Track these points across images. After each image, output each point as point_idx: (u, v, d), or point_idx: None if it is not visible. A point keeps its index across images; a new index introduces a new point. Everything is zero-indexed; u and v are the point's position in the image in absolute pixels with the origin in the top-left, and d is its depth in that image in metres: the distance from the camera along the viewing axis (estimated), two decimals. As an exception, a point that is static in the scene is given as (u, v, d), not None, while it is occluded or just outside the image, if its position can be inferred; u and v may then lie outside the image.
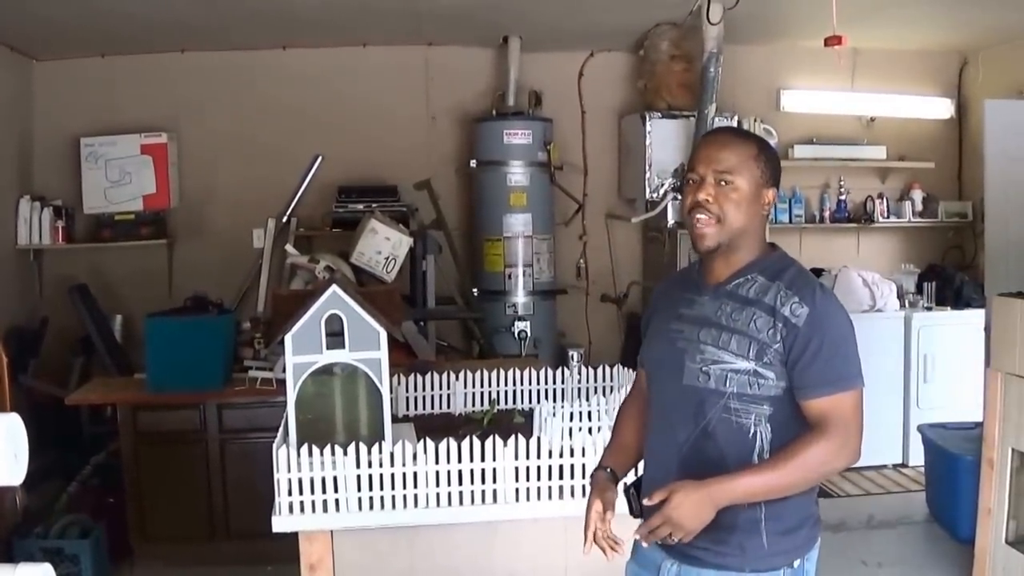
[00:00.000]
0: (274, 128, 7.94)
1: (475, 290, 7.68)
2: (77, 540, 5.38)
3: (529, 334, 7.78)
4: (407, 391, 4.70)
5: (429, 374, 4.75)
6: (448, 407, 4.72)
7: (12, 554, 5.23)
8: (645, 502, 2.60)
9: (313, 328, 3.66)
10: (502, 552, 3.59)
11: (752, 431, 2.66)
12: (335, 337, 3.70)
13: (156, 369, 5.81)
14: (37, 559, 5.27)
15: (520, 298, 7.87)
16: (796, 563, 2.73)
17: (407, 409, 4.68)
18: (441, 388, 4.73)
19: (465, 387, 4.73)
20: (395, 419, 4.35)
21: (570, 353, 8.04)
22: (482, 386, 4.74)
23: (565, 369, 4.82)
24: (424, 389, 4.72)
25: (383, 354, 3.69)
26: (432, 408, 4.72)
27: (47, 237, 7.69)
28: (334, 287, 3.69)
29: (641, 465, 2.98)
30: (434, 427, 4.21)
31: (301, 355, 3.68)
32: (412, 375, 4.73)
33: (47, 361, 7.46)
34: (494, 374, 4.75)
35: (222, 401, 5.86)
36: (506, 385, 4.75)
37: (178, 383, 5.76)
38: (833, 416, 2.60)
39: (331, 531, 3.54)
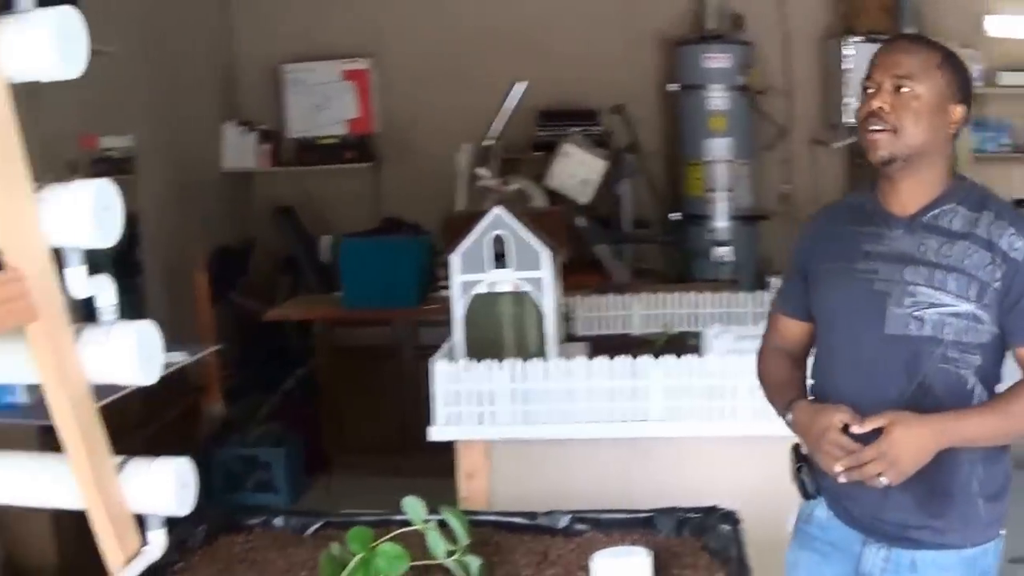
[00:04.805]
0: (477, 51, 8.00)
1: (676, 214, 7.67)
2: (271, 448, 5.66)
3: (730, 259, 7.73)
4: (588, 312, 4.76)
5: (609, 296, 4.80)
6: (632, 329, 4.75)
7: (209, 461, 5.53)
8: (855, 428, 2.32)
9: (479, 248, 3.77)
10: (654, 469, 3.61)
11: (970, 383, 2.41)
12: (501, 257, 3.80)
13: (351, 287, 6.04)
14: (232, 466, 5.61)
15: (721, 223, 7.80)
16: (1002, 531, 2.52)
17: (591, 330, 4.73)
18: (622, 310, 4.77)
19: (644, 310, 4.76)
20: (573, 339, 4.45)
21: (767, 280, 7.96)
22: (663, 309, 4.76)
23: (746, 293, 4.80)
24: (606, 311, 4.77)
25: (545, 273, 3.77)
26: (616, 330, 4.75)
27: (253, 161, 8.01)
28: (498, 208, 3.78)
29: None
30: (610, 348, 4.27)
31: (468, 274, 3.80)
32: (591, 296, 4.80)
33: (256, 280, 7.80)
34: (673, 297, 4.76)
35: (416, 318, 6.04)
36: (686, 308, 4.75)
37: (372, 301, 5.96)
38: None
39: (488, 441, 3.66)
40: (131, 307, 5.98)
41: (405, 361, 6.09)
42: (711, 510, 2.56)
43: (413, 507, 2.32)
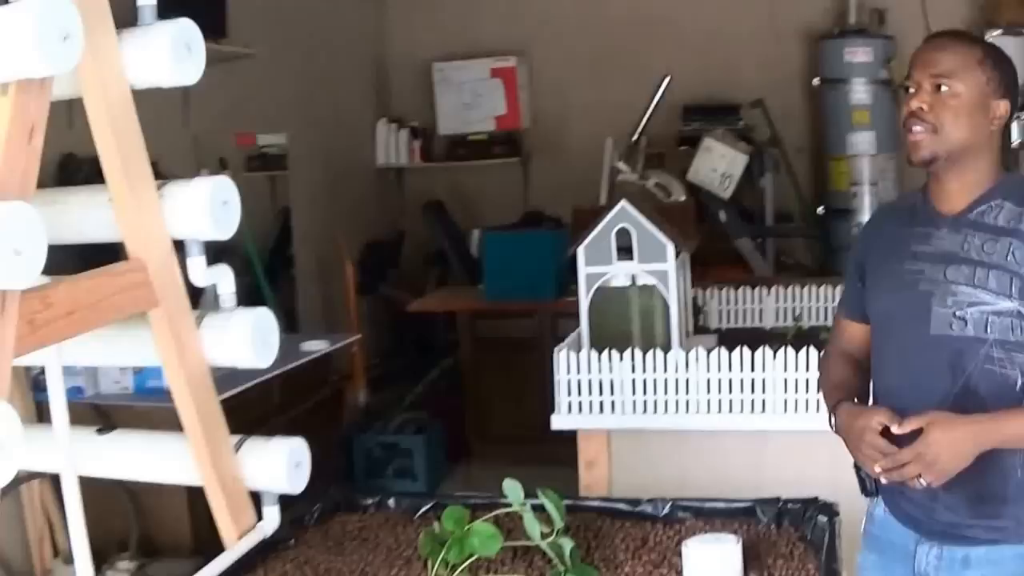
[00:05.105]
0: (622, 47, 8.04)
1: (821, 208, 7.63)
2: (412, 436, 5.82)
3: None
4: (722, 305, 4.81)
5: (742, 288, 4.84)
6: (764, 322, 4.78)
7: (351, 446, 5.73)
8: (895, 429, 2.27)
9: (604, 240, 3.85)
10: (771, 462, 3.63)
11: (1020, 383, 2.31)
12: (627, 250, 3.87)
13: (492, 279, 6.19)
14: (374, 453, 5.79)
15: (865, 217, 7.69)
16: None
17: (725, 322, 4.79)
18: (756, 303, 4.81)
19: (776, 303, 4.79)
20: (705, 331, 4.50)
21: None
22: (794, 301, 4.78)
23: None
24: (739, 304, 4.81)
25: (670, 266, 3.82)
26: (750, 323, 4.79)
27: (405, 157, 8.25)
28: (623, 202, 3.86)
29: None
30: (739, 340, 4.31)
31: (593, 266, 3.89)
32: (725, 289, 4.84)
33: (408, 272, 8.01)
34: (806, 290, 4.78)
35: (555, 310, 6.14)
36: (820, 302, 4.76)
37: (513, 293, 6.10)
38: None
39: (608, 431, 3.75)
40: (285, 297, 6.18)
41: (545, 352, 6.19)
42: (811, 501, 2.60)
43: (512, 490, 2.42)
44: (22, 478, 4.05)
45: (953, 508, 2.36)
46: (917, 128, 2.34)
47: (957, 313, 2.32)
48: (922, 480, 2.22)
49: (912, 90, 2.37)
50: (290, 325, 6.19)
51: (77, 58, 1.80)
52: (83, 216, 2.29)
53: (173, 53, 2.10)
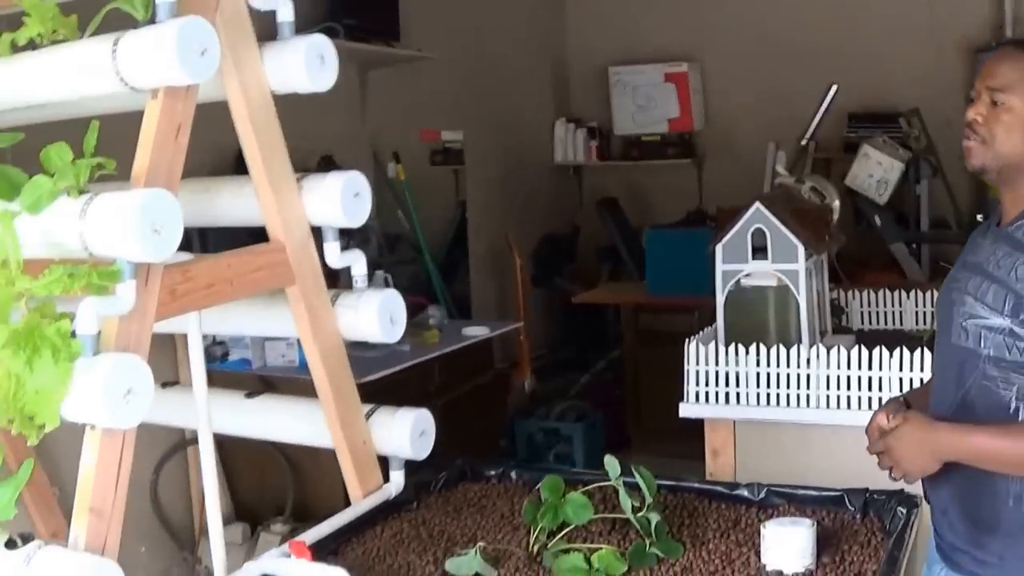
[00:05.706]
0: (792, 54, 8.16)
1: (980, 215, 7.60)
2: (572, 423, 6.05)
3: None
4: (864, 307, 4.92)
5: (882, 291, 4.94)
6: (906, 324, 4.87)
7: (513, 430, 5.98)
8: (882, 423, 2.39)
9: (741, 240, 4.01)
10: None
11: (1014, 406, 2.25)
12: (762, 249, 4.03)
13: (653, 275, 6.41)
14: (536, 437, 6.04)
15: (1020, 224, 7.62)
16: None
17: (867, 323, 4.91)
18: (896, 306, 4.90)
19: (917, 306, 4.88)
20: (847, 331, 4.62)
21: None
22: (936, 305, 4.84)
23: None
24: (881, 306, 4.91)
25: (800, 267, 3.95)
26: (891, 325, 4.88)
27: (582, 155, 8.56)
28: (757, 203, 4.01)
29: None
30: (877, 340, 4.40)
31: (729, 264, 4.06)
32: (866, 291, 4.94)
33: (582, 266, 8.27)
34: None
35: (714, 306, 6.30)
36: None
37: (673, 288, 6.28)
38: None
39: (733, 421, 3.92)
40: (461, 286, 6.49)
41: (702, 348, 6.37)
42: (896, 493, 2.66)
43: (611, 466, 2.61)
44: (188, 441, 4.42)
45: (953, 528, 2.40)
46: (971, 137, 2.34)
47: (963, 324, 2.32)
48: (893, 473, 2.34)
49: (973, 98, 2.36)
50: (463, 313, 6.49)
51: (214, 69, 2.10)
52: (232, 203, 2.60)
53: (307, 63, 2.40)
